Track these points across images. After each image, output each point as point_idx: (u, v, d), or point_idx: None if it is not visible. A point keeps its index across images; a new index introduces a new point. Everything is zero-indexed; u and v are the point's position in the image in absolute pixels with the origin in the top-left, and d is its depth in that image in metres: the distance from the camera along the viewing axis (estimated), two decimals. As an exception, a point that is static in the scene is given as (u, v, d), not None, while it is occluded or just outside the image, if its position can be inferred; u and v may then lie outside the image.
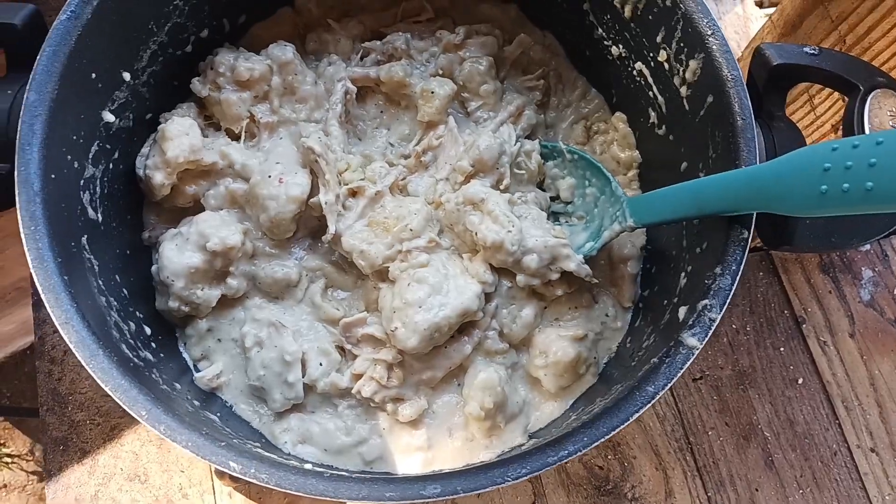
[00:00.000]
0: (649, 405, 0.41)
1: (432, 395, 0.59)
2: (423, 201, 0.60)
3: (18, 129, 0.46)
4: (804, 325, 0.75)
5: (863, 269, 0.77)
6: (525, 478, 0.39)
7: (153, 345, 0.55)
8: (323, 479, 0.40)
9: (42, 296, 0.42)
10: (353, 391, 0.57)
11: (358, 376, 0.58)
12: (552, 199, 0.65)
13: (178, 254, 0.57)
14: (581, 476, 0.69)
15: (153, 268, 0.59)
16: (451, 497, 0.39)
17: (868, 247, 0.78)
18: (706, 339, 0.43)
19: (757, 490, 0.69)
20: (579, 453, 0.40)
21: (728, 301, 0.44)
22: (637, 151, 0.64)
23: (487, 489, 0.39)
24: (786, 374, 0.73)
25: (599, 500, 0.69)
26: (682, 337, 0.44)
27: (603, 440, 0.41)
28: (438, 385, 0.59)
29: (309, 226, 0.61)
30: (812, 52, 0.49)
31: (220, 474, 0.67)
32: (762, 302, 0.76)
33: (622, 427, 0.41)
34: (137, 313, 0.55)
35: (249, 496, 0.68)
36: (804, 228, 0.46)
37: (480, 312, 0.57)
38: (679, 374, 0.42)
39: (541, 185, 0.65)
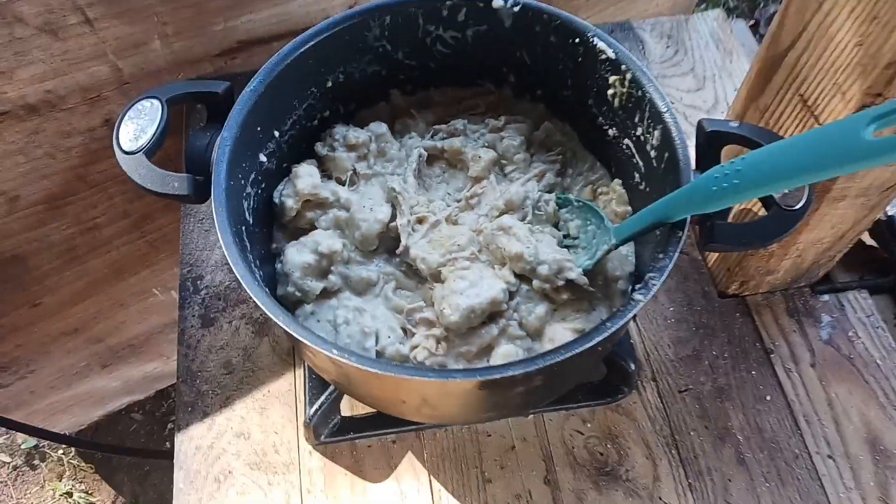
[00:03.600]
0: (609, 332, 0.62)
1: (468, 364, 0.79)
2: (468, 229, 0.85)
3: (215, 152, 0.73)
4: (772, 355, 0.93)
5: (822, 314, 0.95)
6: (529, 368, 0.60)
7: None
8: (383, 364, 0.61)
9: (225, 251, 0.67)
10: (411, 357, 0.79)
11: (414, 347, 0.79)
12: (564, 236, 0.88)
13: (297, 254, 0.81)
14: (585, 459, 0.87)
15: (277, 266, 0.83)
16: (470, 379, 0.60)
17: (827, 298, 0.97)
18: (649, 296, 0.63)
19: (730, 481, 0.85)
20: (566, 355, 0.60)
21: (667, 275, 0.64)
22: (629, 206, 0.87)
23: (495, 376, 0.60)
24: (757, 392, 0.91)
25: (599, 479, 0.86)
26: (633, 296, 0.65)
27: (577, 351, 0.60)
28: (472, 358, 0.79)
29: (386, 244, 0.86)
30: (735, 124, 0.72)
31: (307, 435, 0.88)
32: (738, 335, 0.94)
33: (588, 345, 0.61)
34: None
35: (324, 454, 0.88)
36: (722, 233, 0.67)
37: (505, 304, 0.78)
38: (630, 316, 0.62)
39: (556, 226, 0.88)
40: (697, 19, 1.24)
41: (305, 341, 0.62)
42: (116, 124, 0.74)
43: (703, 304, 0.97)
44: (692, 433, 0.88)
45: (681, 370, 0.92)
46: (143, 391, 2.12)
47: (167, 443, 2.15)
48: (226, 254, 0.67)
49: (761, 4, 2.52)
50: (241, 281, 0.64)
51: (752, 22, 2.47)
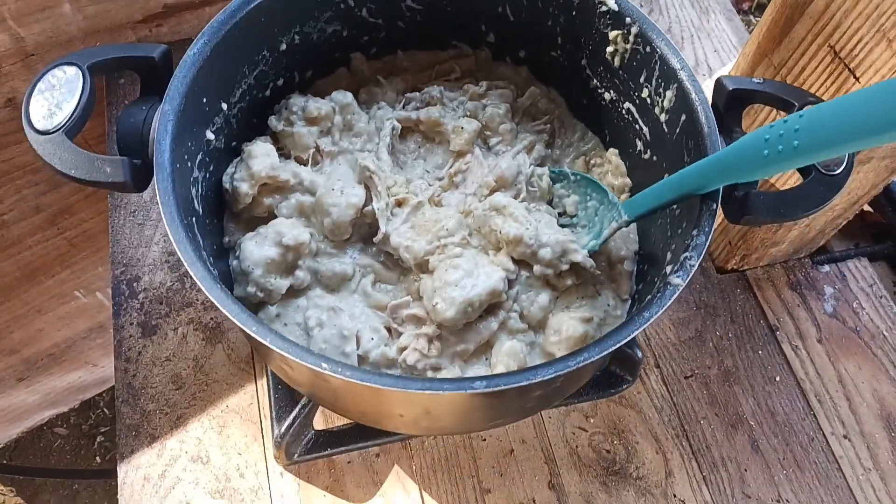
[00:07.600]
0: (647, 324, 0.53)
1: (465, 366, 0.70)
2: (455, 210, 0.74)
3: (155, 129, 0.60)
4: (778, 332, 0.87)
5: (825, 286, 0.90)
6: (552, 375, 0.50)
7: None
8: (393, 378, 0.51)
9: (177, 248, 0.54)
10: (399, 360, 0.68)
11: (403, 349, 0.69)
12: (560, 215, 0.78)
13: (258, 248, 0.69)
14: (591, 458, 0.79)
15: (233, 262, 0.71)
16: (494, 389, 0.50)
17: (828, 268, 0.91)
18: (687, 279, 0.55)
19: (746, 470, 0.79)
20: (594, 358, 0.51)
21: (704, 253, 0.56)
22: (628, 178, 0.79)
23: (522, 383, 0.50)
24: (765, 373, 0.84)
25: (608, 479, 0.78)
26: (669, 279, 0.56)
27: (612, 350, 0.52)
28: (470, 358, 0.70)
29: (361, 232, 0.75)
30: (758, 81, 0.64)
31: (277, 455, 0.76)
32: (741, 313, 0.88)
33: (626, 340, 0.52)
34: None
35: (298, 475, 0.77)
36: (759, 203, 0.59)
37: (504, 294, 0.69)
38: (668, 304, 0.54)
39: (550, 203, 0.79)
40: (669, -25, 1.16)
41: (296, 359, 0.50)
42: (25, 98, 0.59)
43: (702, 282, 0.90)
44: (702, 421, 0.81)
45: (684, 354, 0.85)
46: (66, 403, 1.93)
47: (97, 457, 1.97)
48: (178, 252, 0.54)
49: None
50: (204, 288, 0.52)
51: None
